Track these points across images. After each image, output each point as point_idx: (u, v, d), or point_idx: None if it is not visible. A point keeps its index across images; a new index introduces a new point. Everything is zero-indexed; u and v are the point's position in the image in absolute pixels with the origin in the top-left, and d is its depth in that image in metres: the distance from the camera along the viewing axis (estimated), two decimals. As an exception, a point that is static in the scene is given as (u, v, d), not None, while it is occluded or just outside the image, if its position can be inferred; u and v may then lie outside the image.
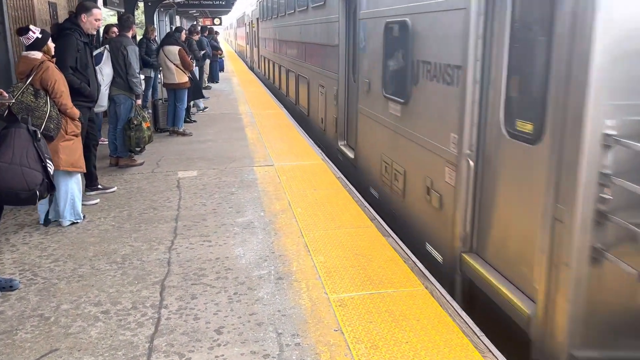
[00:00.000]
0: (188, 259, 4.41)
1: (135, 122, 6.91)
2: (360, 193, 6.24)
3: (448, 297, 3.75)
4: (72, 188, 5.19)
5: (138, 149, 7.06)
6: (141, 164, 7.54)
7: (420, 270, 4.17)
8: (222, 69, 21.95)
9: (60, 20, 13.56)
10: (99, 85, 5.96)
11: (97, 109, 8.37)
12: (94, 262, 4.39)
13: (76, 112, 5.10)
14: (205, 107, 12.70)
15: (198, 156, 8.06)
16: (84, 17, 5.58)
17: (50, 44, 4.96)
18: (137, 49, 7.11)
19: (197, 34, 13.69)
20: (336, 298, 3.74)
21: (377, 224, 5.14)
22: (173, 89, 9.64)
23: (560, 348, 3.00)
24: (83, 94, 5.58)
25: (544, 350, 3.14)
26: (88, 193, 6.06)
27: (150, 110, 10.68)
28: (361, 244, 4.66)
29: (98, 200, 5.91)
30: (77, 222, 5.25)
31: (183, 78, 9.57)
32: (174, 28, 15.60)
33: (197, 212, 5.58)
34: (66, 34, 5.51)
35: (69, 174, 5.14)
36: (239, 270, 4.20)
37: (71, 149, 5.08)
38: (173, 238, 4.87)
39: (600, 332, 2.97)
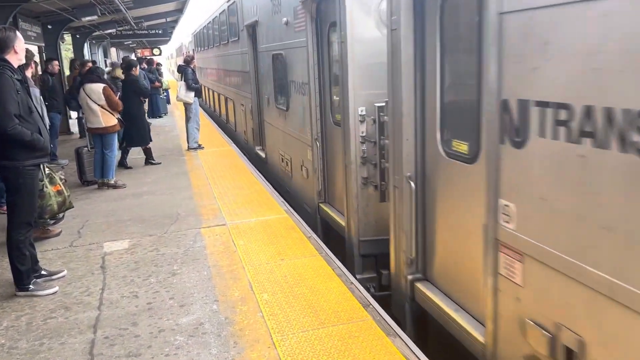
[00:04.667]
0: (106, 408, 2.93)
1: None
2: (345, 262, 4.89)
3: None
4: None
5: (42, 220, 5.41)
6: (58, 234, 5.95)
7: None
8: (168, 102, 20.68)
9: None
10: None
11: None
12: None
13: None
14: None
15: (131, 217, 6.51)
16: (16, 47, 4.16)
17: None
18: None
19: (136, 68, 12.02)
20: None
21: (374, 313, 3.79)
22: (99, 134, 8.04)
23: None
24: (36, 147, 4.20)
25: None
26: (18, 292, 4.43)
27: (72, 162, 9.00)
28: (361, 355, 3.29)
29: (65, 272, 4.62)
30: (-51, 345, 3.67)
31: (111, 121, 7.98)
32: (109, 62, 13.90)
33: (126, 309, 4.08)
34: None
35: None
36: None
37: None
38: (87, 364, 3.37)
39: None
